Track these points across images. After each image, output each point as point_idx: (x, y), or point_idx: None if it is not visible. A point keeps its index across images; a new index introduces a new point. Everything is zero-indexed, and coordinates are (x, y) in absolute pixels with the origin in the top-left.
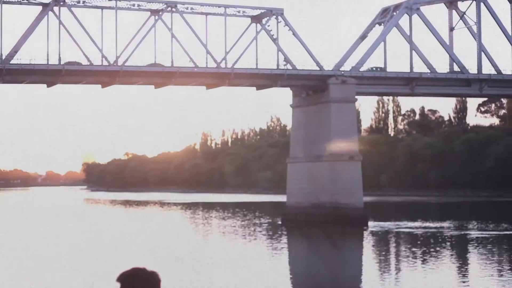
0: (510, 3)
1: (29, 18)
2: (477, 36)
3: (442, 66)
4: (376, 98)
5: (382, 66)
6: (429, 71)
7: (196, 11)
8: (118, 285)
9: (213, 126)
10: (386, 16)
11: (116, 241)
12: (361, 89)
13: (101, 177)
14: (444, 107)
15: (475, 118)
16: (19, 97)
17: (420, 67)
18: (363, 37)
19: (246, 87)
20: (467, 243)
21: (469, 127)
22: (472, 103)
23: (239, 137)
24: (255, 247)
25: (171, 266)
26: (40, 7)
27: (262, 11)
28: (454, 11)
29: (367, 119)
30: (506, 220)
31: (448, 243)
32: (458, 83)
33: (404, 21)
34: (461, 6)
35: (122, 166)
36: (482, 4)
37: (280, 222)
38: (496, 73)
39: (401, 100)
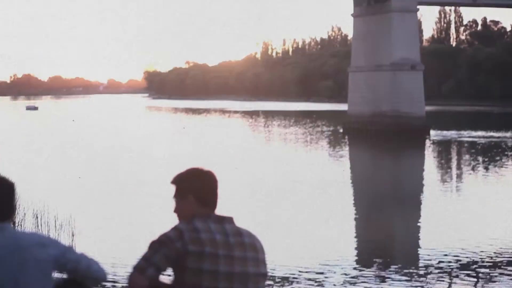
0: None
1: None
2: None
3: None
4: (438, 8)
5: None
6: None
7: None
8: (173, 187)
9: (274, 36)
10: None
11: (177, 148)
12: None
13: (162, 86)
14: (506, 18)
15: None
16: (84, 7)
17: None
18: None
19: None
20: None
21: None
22: None
23: (299, 46)
24: (317, 156)
25: (233, 172)
26: None
27: None
28: None
29: (428, 30)
30: None
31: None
32: None
33: None
34: None
35: (183, 75)
36: None
37: (341, 131)
38: None
39: (463, 10)
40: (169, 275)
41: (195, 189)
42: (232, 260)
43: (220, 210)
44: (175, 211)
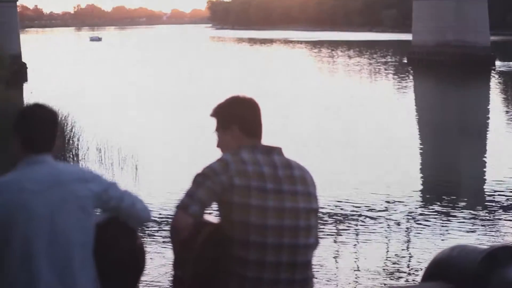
0: None
1: None
2: None
3: None
4: None
5: None
6: None
7: None
8: (214, 120)
9: None
10: None
11: (243, 78)
12: None
13: (225, 15)
14: None
15: None
16: None
17: None
18: None
19: None
20: None
21: None
22: None
23: None
24: (380, 87)
25: (296, 106)
26: None
27: None
28: None
29: None
30: None
31: None
32: None
33: None
34: None
35: (247, 4)
36: None
37: (405, 61)
38: None
39: None
40: (214, 213)
41: (239, 118)
42: (282, 195)
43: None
44: (218, 145)
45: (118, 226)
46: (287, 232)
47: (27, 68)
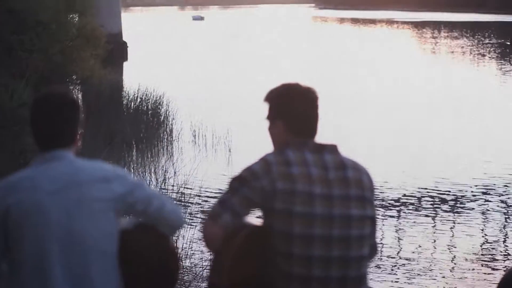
0: None
1: None
2: None
3: None
4: None
5: None
6: None
7: None
8: (266, 105)
9: None
10: None
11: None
12: None
13: None
14: None
15: None
16: None
17: None
18: None
19: None
20: None
21: None
22: None
23: None
24: (485, 69)
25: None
26: None
27: None
28: None
29: None
30: None
31: None
32: None
33: None
34: None
35: None
36: None
37: (509, 43)
38: None
39: None
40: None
41: (285, 113)
42: (331, 200)
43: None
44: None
45: (147, 233)
46: (337, 243)
47: (127, 46)
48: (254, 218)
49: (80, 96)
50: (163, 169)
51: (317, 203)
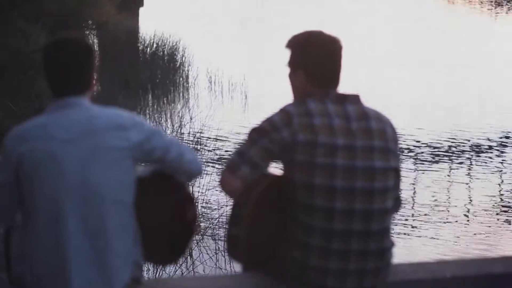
0: None
1: None
2: None
3: None
4: None
5: None
6: None
7: None
8: (287, 52)
9: None
10: None
11: None
12: None
13: None
14: None
15: None
16: None
17: None
18: None
19: None
20: None
21: None
22: None
23: None
24: None
25: None
26: None
27: None
28: None
29: None
30: None
31: None
32: None
33: None
34: None
35: None
36: None
37: None
38: None
39: None
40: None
41: (306, 63)
42: (354, 152)
43: None
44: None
45: (164, 181)
46: (359, 196)
47: None
48: (274, 170)
49: (95, 41)
50: (179, 115)
51: (339, 155)
